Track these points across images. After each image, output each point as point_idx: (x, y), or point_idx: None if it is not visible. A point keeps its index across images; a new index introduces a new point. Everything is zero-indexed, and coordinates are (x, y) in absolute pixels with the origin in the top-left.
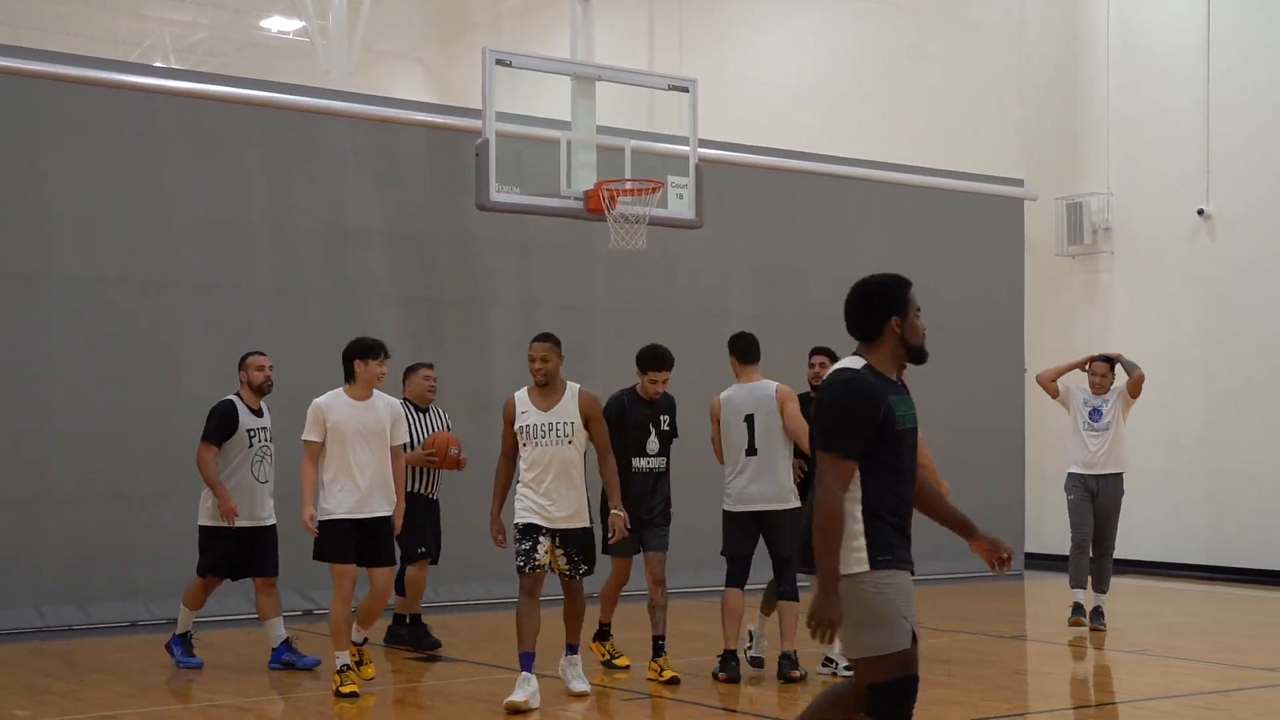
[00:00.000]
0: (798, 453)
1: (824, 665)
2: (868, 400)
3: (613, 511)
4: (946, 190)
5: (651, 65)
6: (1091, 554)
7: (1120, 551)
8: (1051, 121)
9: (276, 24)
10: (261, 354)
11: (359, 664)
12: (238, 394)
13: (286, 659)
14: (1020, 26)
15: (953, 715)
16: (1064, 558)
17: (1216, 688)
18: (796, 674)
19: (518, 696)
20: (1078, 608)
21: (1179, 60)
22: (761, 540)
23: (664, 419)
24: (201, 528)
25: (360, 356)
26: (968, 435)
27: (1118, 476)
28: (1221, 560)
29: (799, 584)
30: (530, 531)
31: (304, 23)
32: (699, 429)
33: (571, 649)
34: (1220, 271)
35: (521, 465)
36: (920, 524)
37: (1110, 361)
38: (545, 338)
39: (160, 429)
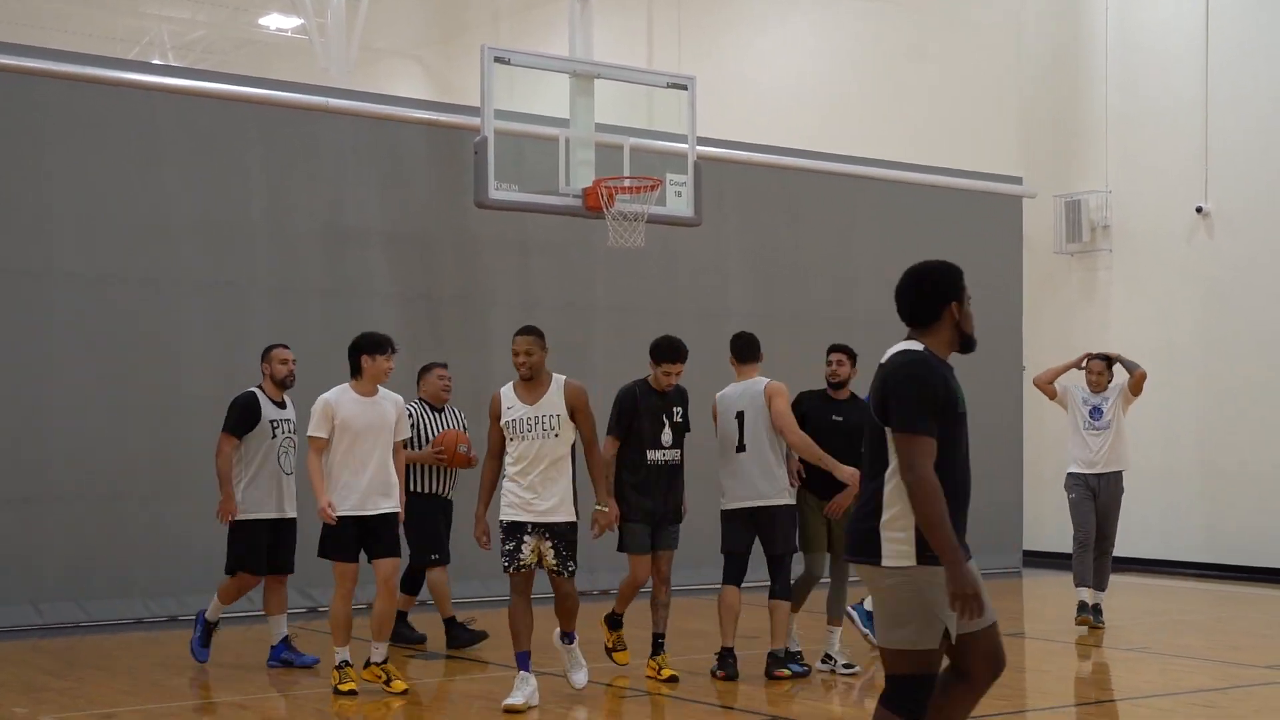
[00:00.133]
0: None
1: (823, 662)
2: (937, 378)
3: (596, 506)
4: (945, 188)
5: (650, 63)
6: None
7: (1118, 549)
8: (1050, 119)
9: (275, 22)
10: (285, 346)
11: (386, 681)
12: (260, 387)
13: (285, 657)
14: (1019, 24)
15: None
16: (1061, 555)
17: (1215, 685)
18: (783, 673)
19: (516, 699)
20: (1083, 606)
21: (1177, 58)
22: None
23: (677, 411)
24: (231, 521)
25: (368, 351)
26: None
27: (1118, 475)
28: (1219, 558)
29: (850, 577)
30: (514, 531)
31: (302, 20)
32: (700, 427)
33: (568, 636)
34: (1219, 269)
35: (508, 459)
36: None
37: (1108, 360)
38: (528, 331)
39: (160, 427)
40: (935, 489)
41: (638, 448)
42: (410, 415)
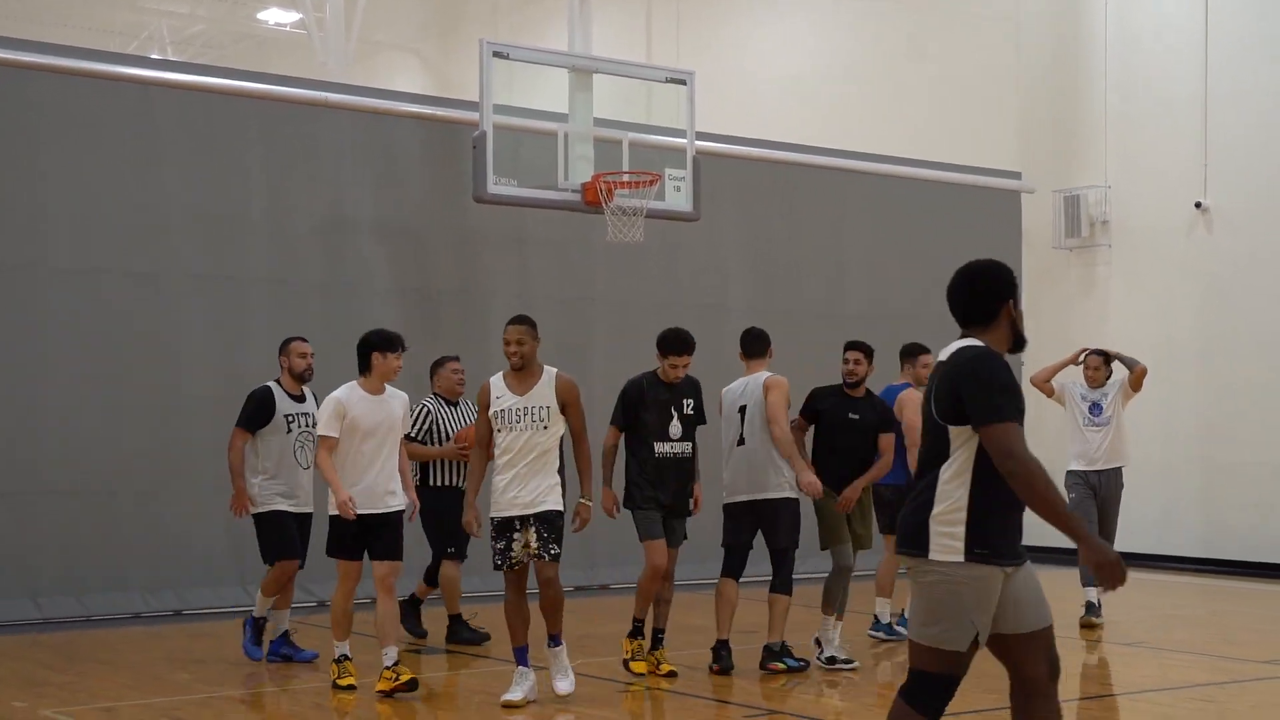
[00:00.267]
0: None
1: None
2: (1009, 370)
3: (580, 500)
4: (944, 183)
5: (649, 58)
6: None
7: (1117, 544)
8: (1049, 114)
9: (274, 16)
10: (303, 339)
11: (395, 679)
12: (277, 380)
13: (284, 651)
14: (1019, 18)
15: (950, 707)
16: (1059, 550)
17: (1212, 680)
18: (777, 666)
19: (514, 695)
20: (1090, 606)
21: (1177, 53)
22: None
23: (688, 403)
24: (255, 515)
25: (379, 349)
26: None
27: (1118, 471)
28: (1216, 553)
29: (899, 570)
30: (504, 529)
31: (301, 15)
32: (708, 421)
33: (554, 640)
34: (1217, 265)
35: (496, 451)
36: None
37: (1106, 356)
38: (520, 320)
39: (157, 423)
40: (1039, 468)
41: (645, 440)
42: (427, 411)
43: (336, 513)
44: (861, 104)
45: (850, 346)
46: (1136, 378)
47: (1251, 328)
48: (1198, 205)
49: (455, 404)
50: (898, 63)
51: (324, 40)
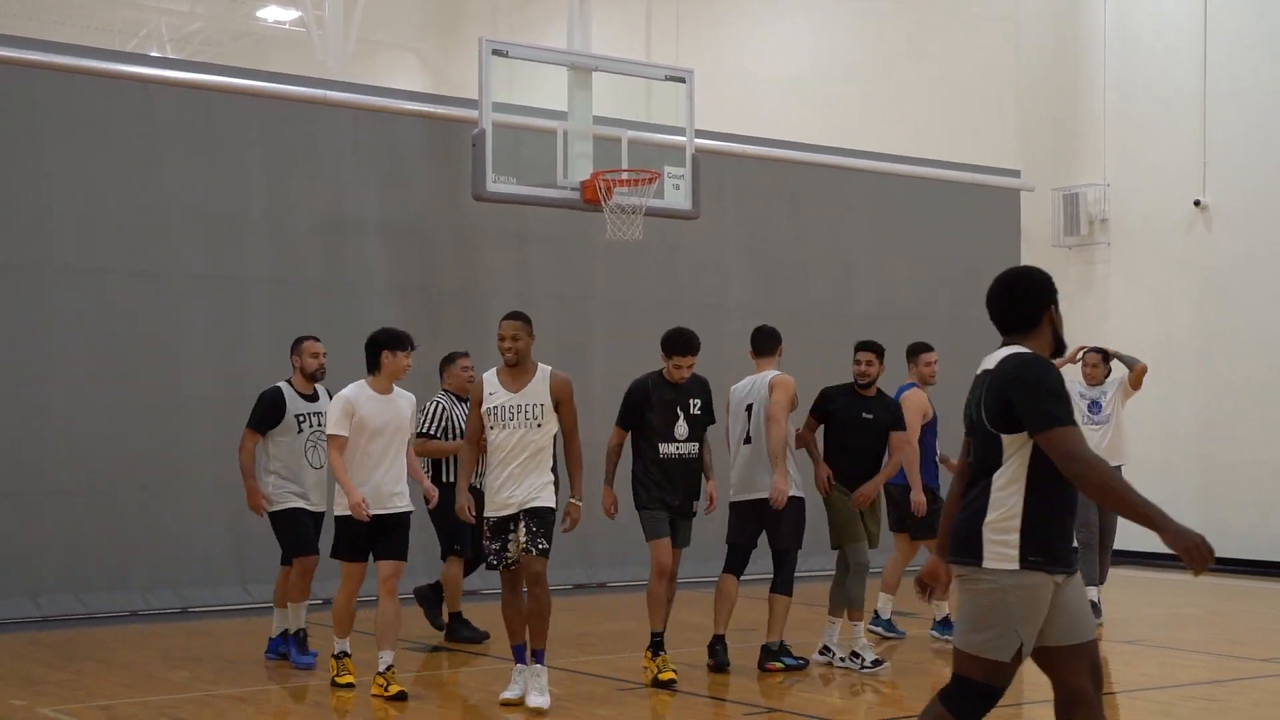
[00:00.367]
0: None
1: (821, 654)
2: (1057, 373)
3: (570, 500)
4: (943, 181)
5: (648, 56)
6: None
7: (1117, 542)
8: (1048, 112)
9: (273, 14)
10: (315, 339)
11: (385, 687)
12: (289, 380)
13: (283, 650)
14: (1018, 16)
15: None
16: None
17: (1213, 678)
18: (775, 665)
19: (512, 693)
20: (1094, 607)
21: (1176, 51)
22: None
23: (694, 403)
24: (272, 513)
25: (388, 347)
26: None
27: (1118, 469)
28: (1217, 551)
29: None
30: (499, 530)
31: (300, 13)
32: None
33: (536, 655)
34: (1216, 263)
35: (489, 449)
36: None
37: (1104, 354)
38: (515, 316)
39: (159, 423)
40: (1106, 466)
41: (650, 441)
42: (441, 407)
43: (345, 514)
44: (861, 103)
45: (862, 347)
46: (1136, 376)
47: (1251, 326)
48: (1197, 203)
49: (465, 400)
50: (898, 62)
51: (323, 39)
